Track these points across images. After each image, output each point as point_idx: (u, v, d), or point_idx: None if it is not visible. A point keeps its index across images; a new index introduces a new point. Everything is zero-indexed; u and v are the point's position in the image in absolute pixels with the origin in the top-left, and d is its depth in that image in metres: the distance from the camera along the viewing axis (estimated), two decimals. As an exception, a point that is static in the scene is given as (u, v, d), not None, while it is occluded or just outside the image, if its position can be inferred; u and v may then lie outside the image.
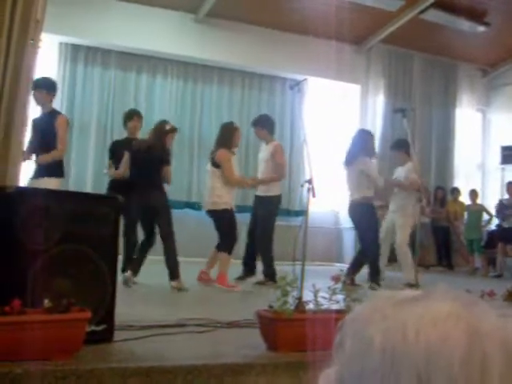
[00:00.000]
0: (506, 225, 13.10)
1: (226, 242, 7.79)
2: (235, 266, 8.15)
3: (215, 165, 7.85)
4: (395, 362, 0.63)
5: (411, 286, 7.83)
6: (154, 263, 7.88)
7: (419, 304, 0.67)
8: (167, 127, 7.67)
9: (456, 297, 0.69)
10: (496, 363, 0.62)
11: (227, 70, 13.49)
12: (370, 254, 8.44)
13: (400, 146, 9.25)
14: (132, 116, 8.47)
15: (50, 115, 6.99)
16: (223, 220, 7.78)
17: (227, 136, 7.96)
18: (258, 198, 8.32)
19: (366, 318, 0.68)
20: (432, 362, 0.62)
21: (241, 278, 8.16)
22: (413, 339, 0.64)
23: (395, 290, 0.79)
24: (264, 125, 8.38)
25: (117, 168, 8.09)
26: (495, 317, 0.66)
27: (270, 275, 7.87)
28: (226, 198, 7.78)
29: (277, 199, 8.25)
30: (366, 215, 8.45)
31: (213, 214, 7.84)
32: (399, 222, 8.85)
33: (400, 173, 9.24)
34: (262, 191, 8.25)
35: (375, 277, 8.26)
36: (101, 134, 12.32)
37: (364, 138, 8.76)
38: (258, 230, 8.16)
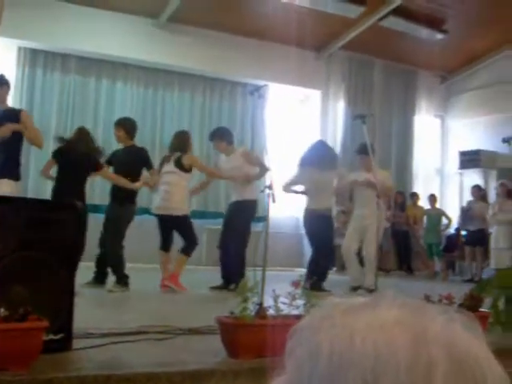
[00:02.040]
0: (472, 228, 13.26)
1: (191, 246, 7.88)
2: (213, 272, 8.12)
3: (183, 169, 7.88)
4: (342, 368, 0.63)
5: (371, 291, 7.89)
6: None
7: (367, 311, 0.68)
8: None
9: (403, 303, 0.69)
10: (441, 368, 0.63)
11: (188, 76, 13.47)
12: (323, 260, 8.53)
13: (367, 151, 9.27)
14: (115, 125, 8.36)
15: (11, 111, 6.90)
16: (182, 226, 7.82)
17: (184, 142, 8.07)
18: (233, 203, 8.27)
19: (315, 325, 0.68)
20: (378, 368, 0.63)
21: (217, 288, 8.01)
22: (360, 346, 0.64)
23: (349, 295, 0.79)
24: (222, 137, 8.37)
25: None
26: (442, 322, 0.67)
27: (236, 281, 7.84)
28: (185, 205, 7.91)
29: (253, 204, 8.23)
30: (325, 224, 8.53)
31: (171, 219, 7.82)
32: (373, 228, 8.82)
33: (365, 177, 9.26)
34: (236, 196, 8.21)
35: (321, 281, 8.23)
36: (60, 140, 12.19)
37: (329, 150, 8.89)
38: (232, 235, 8.09)
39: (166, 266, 7.97)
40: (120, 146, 8.26)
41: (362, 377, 0.61)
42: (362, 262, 9.03)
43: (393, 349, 0.63)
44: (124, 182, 7.64)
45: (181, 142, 8.10)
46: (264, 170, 8.08)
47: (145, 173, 8.00)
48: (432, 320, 0.67)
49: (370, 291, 7.95)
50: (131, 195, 7.81)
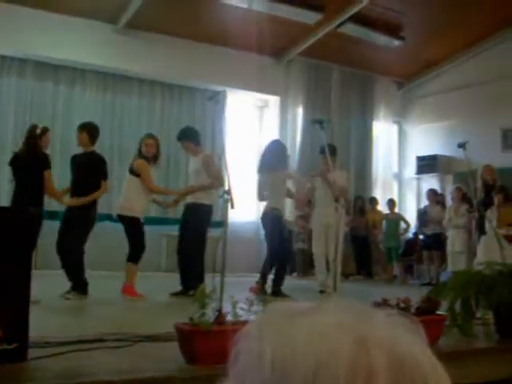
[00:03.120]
0: (428, 232, 13.41)
1: (134, 252, 7.83)
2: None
3: (133, 173, 7.98)
4: (285, 375, 0.64)
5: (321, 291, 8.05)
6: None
7: (311, 316, 0.68)
8: (38, 131, 7.55)
9: (347, 307, 0.70)
10: (381, 375, 0.64)
11: (147, 82, 13.41)
12: (278, 263, 8.56)
13: (324, 151, 9.33)
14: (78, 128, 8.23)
15: None
16: (130, 228, 7.79)
17: (141, 146, 8.15)
18: (188, 206, 8.22)
19: (258, 332, 0.69)
20: (320, 375, 0.63)
21: (177, 294, 7.95)
22: (301, 352, 0.64)
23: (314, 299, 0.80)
24: (189, 138, 8.36)
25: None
26: (387, 327, 0.67)
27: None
28: (137, 207, 7.85)
29: (208, 209, 8.20)
30: (276, 225, 8.54)
31: (122, 219, 7.86)
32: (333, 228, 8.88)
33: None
34: (192, 198, 8.17)
35: (278, 286, 8.24)
36: (17, 147, 12.00)
37: (281, 149, 8.87)
38: (189, 239, 8.04)
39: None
40: (79, 151, 8.20)
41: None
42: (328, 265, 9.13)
43: (333, 355, 0.64)
44: (57, 196, 7.68)
45: (139, 146, 8.14)
46: (218, 183, 8.09)
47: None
48: (376, 325, 0.68)
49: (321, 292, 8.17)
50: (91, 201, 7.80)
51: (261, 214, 8.91)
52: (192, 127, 8.90)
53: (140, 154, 8.08)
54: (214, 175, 8.21)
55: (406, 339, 0.68)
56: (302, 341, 0.65)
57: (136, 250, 7.84)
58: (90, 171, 7.81)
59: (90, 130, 8.02)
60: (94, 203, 7.83)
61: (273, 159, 8.65)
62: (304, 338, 0.65)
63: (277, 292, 8.00)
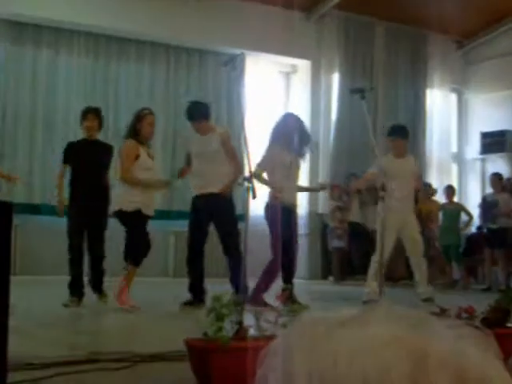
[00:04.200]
0: (493, 226, 13.31)
1: (133, 251, 7.85)
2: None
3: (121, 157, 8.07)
4: None
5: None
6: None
7: (354, 329, 0.67)
8: None
9: (400, 317, 0.69)
10: None
11: (147, 44, 13.41)
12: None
13: (403, 133, 9.60)
14: (85, 115, 8.40)
15: None
16: (131, 223, 7.81)
17: (135, 122, 8.03)
18: (209, 197, 8.18)
19: (291, 347, 0.68)
20: None
21: (189, 304, 7.98)
22: (345, 371, 0.63)
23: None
24: (205, 116, 8.36)
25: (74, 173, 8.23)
26: (449, 340, 0.66)
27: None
28: (139, 198, 7.82)
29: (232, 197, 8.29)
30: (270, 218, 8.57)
31: (120, 215, 7.82)
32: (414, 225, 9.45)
33: (404, 164, 9.42)
34: (214, 187, 8.14)
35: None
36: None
37: (284, 124, 8.79)
38: (225, 238, 8.13)
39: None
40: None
41: None
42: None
43: (385, 373, 0.63)
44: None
45: (130, 123, 8.13)
46: (240, 168, 8.15)
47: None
48: (435, 338, 0.67)
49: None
50: None
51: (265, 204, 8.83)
52: (202, 102, 8.83)
53: (132, 134, 8.00)
54: (236, 157, 8.25)
55: (476, 357, 0.66)
56: (345, 357, 0.64)
57: (135, 249, 7.91)
58: (103, 162, 8.27)
59: (101, 117, 8.40)
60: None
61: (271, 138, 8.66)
62: (348, 354, 0.64)
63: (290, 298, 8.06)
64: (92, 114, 8.29)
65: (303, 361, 0.54)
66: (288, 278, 8.46)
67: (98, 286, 8.13)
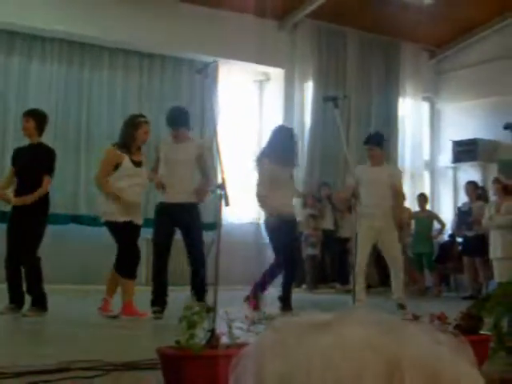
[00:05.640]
0: (469, 234, 13.38)
1: (125, 263, 7.80)
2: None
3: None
4: None
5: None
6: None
7: (329, 331, 0.66)
8: None
9: (375, 321, 0.67)
10: None
11: (121, 51, 13.37)
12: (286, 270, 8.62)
13: (380, 142, 9.66)
14: (22, 117, 8.30)
15: None
16: (124, 234, 7.76)
17: (130, 130, 8.02)
18: (181, 206, 8.16)
19: (265, 351, 0.66)
20: None
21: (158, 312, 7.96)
22: (319, 374, 0.62)
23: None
24: (187, 123, 8.38)
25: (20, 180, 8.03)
26: (424, 344, 0.65)
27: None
28: (110, 207, 7.80)
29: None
30: (293, 230, 8.68)
31: (113, 226, 7.77)
32: (392, 233, 9.40)
33: (380, 173, 9.45)
34: (186, 197, 8.13)
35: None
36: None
37: (275, 138, 8.92)
38: (195, 246, 8.07)
39: (112, 286, 7.97)
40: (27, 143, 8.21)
41: None
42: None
43: (359, 378, 0.61)
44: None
45: (124, 130, 8.10)
46: (210, 184, 8.18)
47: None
48: (411, 342, 0.65)
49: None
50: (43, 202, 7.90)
51: (264, 216, 8.96)
52: (186, 110, 8.82)
53: (125, 141, 7.99)
54: (210, 171, 8.32)
55: (449, 359, 0.65)
56: (317, 361, 0.62)
57: (127, 261, 7.89)
58: (36, 167, 7.88)
59: (37, 117, 8.08)
60: (45, 202, 7.89)
61: (281, 151, 8.74)
62: (322, 357, 0.62)
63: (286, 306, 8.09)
64: (26, 116, 8.08)
65: (276, 365, 0.53)
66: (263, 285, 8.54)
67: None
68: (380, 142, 9.71)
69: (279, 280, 8.79)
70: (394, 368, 0.52)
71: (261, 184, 8.86)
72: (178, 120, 8.29)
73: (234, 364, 0.56)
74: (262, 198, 8.83)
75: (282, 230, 8.59)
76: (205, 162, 8.23)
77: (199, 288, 7.65)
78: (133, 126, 8.01)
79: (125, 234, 7.81)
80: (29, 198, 7.71)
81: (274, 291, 8.76)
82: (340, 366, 0.51)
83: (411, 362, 0.53)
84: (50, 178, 7.93)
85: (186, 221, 8.09)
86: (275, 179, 8.69)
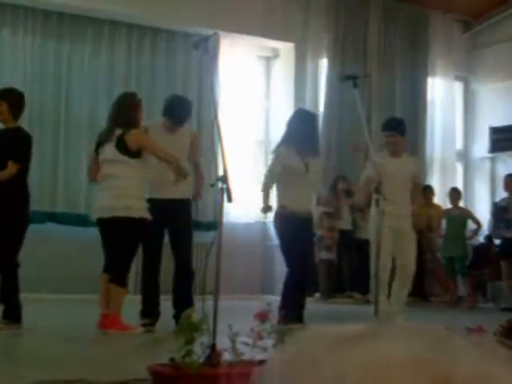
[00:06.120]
0: (507, 234, 13.35)
1: (119, 269, 7.81)
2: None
3: (128, 152, 7.75)
4: None
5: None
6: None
7: (364, 345, 0.64)
8: None
9: (417, 334, 0.66)
10: None
11: (106, 22, 13.34)
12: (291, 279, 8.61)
13: (402, 129, 9.57)
14: None
15: None
16: (130, 234, 7.76)
17: (132, 112, 7.93)
18: (173, 203, 8.19)
19: (289, 365, 0.65)
20: None
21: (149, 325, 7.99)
22: None
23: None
24: (190, 115, 8.43)
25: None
26: (475, 359, 0.63)
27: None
28: (142, 203, 7.80)
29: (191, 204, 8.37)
30: (279, 229, 8.72)
31: (119, 224, 7.73)
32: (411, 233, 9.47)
33: (400, 167, 9.43)
34: (179, 193, 8.15)
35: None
36: None
37: (294, 123, 8.90)
38: (182, 246, 8.16)
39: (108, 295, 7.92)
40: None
41: None
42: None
43: None
44: None
45: (120, 112, 7.95)
46: (203, 178, 8.35)
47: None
48: (460, 358, 0.64)
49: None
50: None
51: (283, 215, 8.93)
52: (188, 100, 8.82)
53: (131, 123, 7.94)
54: (199, 159, 8.34)
55: (506, 378, 0.63)
56: (353, 378, 0.61)
57: (122, 266, 7.85)
58: (10, 155, 7.84)
59: (10, 99, 8.02)
60: (25, 197, 7.89)
61: (296, 138, 8.74)
62: (357, 374, 0.61)
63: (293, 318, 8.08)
64: None
65: (304, 382, 0.53)
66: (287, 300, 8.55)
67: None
68: (402, 129, 9.68)
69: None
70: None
71: (270, 173, 8.85)
72: (183, 116, 8.32)
73: (252, 381, 0.55)
74: (267, 191, 8.84)
75: (295, 229, 8.57)
76: (196, 153, 8.27)
77: (182, 301, 7.71)
78: (134, 108, 8.00)
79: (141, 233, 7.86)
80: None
81: (279, 300, 8.78)
82: (379, 384, 0.50)
83: (464, 380, 0.52)
84: (19, 166, 7.81)
85: (175, 220, 8.16)
86: (289, 171, 8.67)
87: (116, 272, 7.75)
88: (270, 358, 0.68)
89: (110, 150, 7.80)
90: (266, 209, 8.71)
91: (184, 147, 8.20)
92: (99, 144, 8.00)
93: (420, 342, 0.64)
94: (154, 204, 8.03)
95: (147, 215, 7.74)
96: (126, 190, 7.72)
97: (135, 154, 7.74)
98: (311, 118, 9.17)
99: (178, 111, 8.29)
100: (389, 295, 9.25)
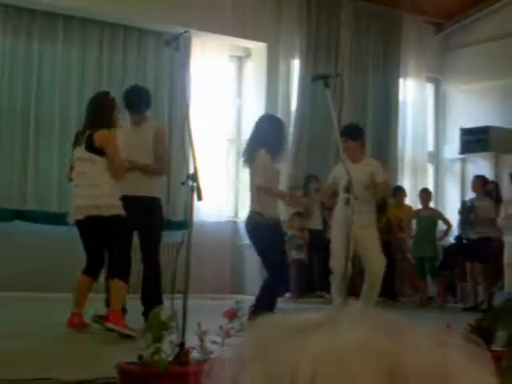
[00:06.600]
0: (472, 236, 13.41)
1: (122, 264, 7.80)
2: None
3: (97, 151, 7.76)
4: None
5: None
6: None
7: (322, 332, 0.64)
8: None
9: (375, 320, 0.66)
10: None
11: (77, 20, 13.27)
12: (273, 282, 8.61)
13: (357, 134, 9.61)
14: None
15: None
16: (115, 231, 7.74)
17: (107, 111, 7.94)
18: (136, 200, 8.18)
19: (242, 357, 0.65)
20: None
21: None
22: (306, 381, 0.61)
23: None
24: (149, 105, 8.39)
25: None
26: (435, 350, 0.63)
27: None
28: (118, 199, 7.78)
29: (161, 204, 8.37)
30: (264, 233, 8.63)
31: (99, 222, 7.70)
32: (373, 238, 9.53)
33: (359, 172, 9.41)
34: (142, 190, 8.16)
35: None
36: None
37: (271, 128, 8.88)
38: (146, 242, 8.20)
39: (84, 297, 7.91)
40: None
41: None
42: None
43: None
44: None
45: (95, 111, 7.97)
46: (164, 167, 8.33)
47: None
48: (415, 345, 0.64)
49: None
50: None
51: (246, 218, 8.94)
52: (146, 89, 8.86)
53: (104, 122, 7.93)
54: (164, 156, 8.35)
55: (463, 366, 0.64)
56: (305, 368, 0.61)
57: (123, 262, 7.84)
58: None
59: None
60: None
61: (256, 143, 8.73)
62: (309, 364, 0.61)
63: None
64: None
65: (257, 372, 0.52)
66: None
67: None
68: (353, 134, 9.66)
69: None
70: (394, 376, 0.51)
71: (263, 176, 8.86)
72: (138, 102, 8.33)
73: (206, 374, 0.55)
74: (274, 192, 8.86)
75: (274, 235, 8.61)
76: (159, 146, 8.29)
77: (150, 298, 7.71)
78: (110, 106, 8.01)
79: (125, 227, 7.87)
80: None
81: (251, 299, 8.79)
82: (332, 374, 0.50)
83: (417, 368, 0.53)
84: None
85: (139, 217, 8.11)
86: (271, 175, 8.71)
87: (120, 268, 7.76)
88: (223, 348, 0.67)
89: (81, 149, 7.83)
90: (289, 200, 8.78)
91: (147, 140, 8.22)
92: (74, 144, 8.03)
93: (375, 329, 0.64)
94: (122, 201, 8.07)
95: (121, 212, 7.75)
96: (97, 189, 7.72)
97: (101, 152, 7.75)
98: (282, 125, 9.23)
99: (132, 100, 8.36)
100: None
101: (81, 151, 7.85)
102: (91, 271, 8.00)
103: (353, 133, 9.65)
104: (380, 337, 0.56)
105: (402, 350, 0.56)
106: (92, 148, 7.76)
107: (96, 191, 7.73)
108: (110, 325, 7.44)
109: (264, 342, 0.57)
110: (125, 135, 8.28)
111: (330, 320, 0.59)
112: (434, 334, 0.57)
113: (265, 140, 8.73)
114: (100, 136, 7.76)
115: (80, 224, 7.88)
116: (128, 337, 7.12)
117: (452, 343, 0.56)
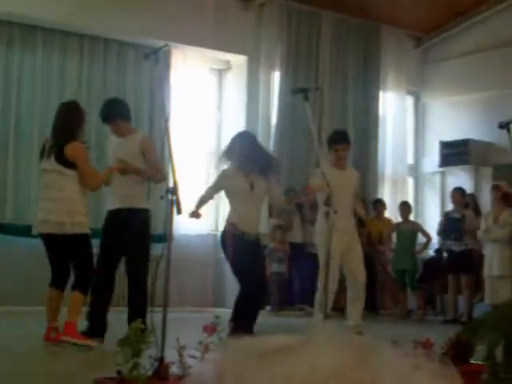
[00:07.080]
0: (456, 248, 13.44)
1: (82, 276, 7.81)
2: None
3: (68, 164, 7.74)
4: None
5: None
6: None
7: (292, 356, 0.64)
8: None
9: (346, 344, 0.66)
10: None
11: (57, 33, 13.23)
12: (246, 294, 8.62)
13: (343, 139, 9.67)
14: None
15: None
16: (77, 248, 7.76)
17: (76, 122, 7.92)
18: (121, 212, 8.16)
19: (213, 378, 0.65)
20: None
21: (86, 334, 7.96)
22: None
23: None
24: (123, 115, 8.35)
25: None
26: (403, 372, 0.64)
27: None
28: (83, 215, 7.82)
29: (149, 216, 8.29)
30: (231, 244, 8.66)
31: (61, 239, 7.69)
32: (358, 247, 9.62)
33: (348, 178, 9.46)
34: (127, 202, 8.13)
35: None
36: None
37: (239, 144, 8.91)
38: (132, 259, 8.15)
39: (56, 310, 7.87)
40: None
41: None
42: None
43: None
44: None
45: (64, 122, 7.94)
46: (160, 176, 8.26)
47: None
48: (389, 369, 0.64)
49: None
50: None
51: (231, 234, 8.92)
52: (121, 99, 8.85)
53: (73, 133, 7.89)
54: (157, 164, 8.29)
55: None
56: None
57: (87, 276, 7.85)
58: None
59: None
60: None
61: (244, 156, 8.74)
62: None
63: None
64: None
65: None
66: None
67: None
68: (348, 141, 9.80)
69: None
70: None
71: (211, 188, 8.98)
72: (110, 113, 8.30)
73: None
74: (201, 199, 8.93)
75: (244, 247, 8.58)
76: (148, 156, 8.18)
77: (135, 313, 7.70)
78: (80, 114, 8.01)
79: (89, 243, 7.90)
80: None
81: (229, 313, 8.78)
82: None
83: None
84: None
85: (123, 230, 8.09)
86: (235, 190, 8.74)
87: (79, 280, 7.77)
88: (193, 370, 0.67)
89: (49, 161, 7.81)
90: (194, 214, 8.77)
91: (133, 152, 8.11)
92: (41, 154, 8.01)
93: (347, 354, 0.64)
94: (107, 215, 8.08)
95: (83, 230, 7.75)
96: (62, 204, 7.73)
97: (71, 164, 7.74)
98: (256, 141, 9.25)
99: (102, 111, 8.33)
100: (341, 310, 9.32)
101: (48, 163, 7.81)
102: (57, 283, 7.95)
103: (349, 139, 9.74)
104: (352, 360, 0.56)
105: (373, 374, 0.56)
106: (63, 161, 7.74)
107: (60, 205, 7.72)
108: (65, 338, 7.48)
109: (233, 365, 0.56)
110: (111, 147, 8.30)
111: (298, 344, 0.58)
112: (408, 356, 0.56)
113: (230, 154, 8.77)
114: (72, 148, 7.74)
115: (43, 237, 7.89)
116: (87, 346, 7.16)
117: (425, 367, 0.56)
